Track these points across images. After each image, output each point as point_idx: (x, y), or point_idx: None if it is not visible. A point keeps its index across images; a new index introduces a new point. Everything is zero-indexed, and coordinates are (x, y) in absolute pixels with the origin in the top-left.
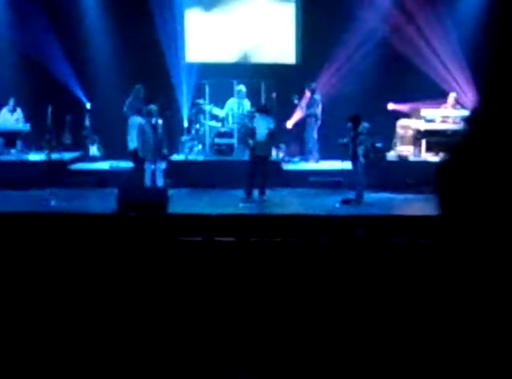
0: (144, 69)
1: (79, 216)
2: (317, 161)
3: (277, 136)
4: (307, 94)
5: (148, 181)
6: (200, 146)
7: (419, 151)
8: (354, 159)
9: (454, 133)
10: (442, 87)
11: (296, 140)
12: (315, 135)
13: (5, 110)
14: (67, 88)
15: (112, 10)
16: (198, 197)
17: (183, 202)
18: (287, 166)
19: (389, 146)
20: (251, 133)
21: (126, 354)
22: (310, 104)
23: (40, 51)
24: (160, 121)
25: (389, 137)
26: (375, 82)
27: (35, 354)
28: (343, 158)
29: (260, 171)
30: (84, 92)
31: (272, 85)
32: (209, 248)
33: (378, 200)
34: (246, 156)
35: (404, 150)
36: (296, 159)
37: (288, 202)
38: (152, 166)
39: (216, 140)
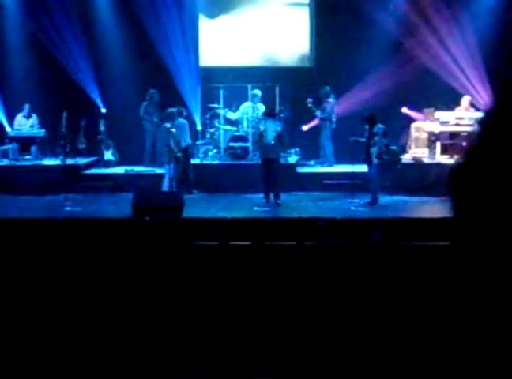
0: (158, 73)
1: (94, 221)
2: (332, 165)
3: (284, 138)
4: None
5: (166, 186)
6: (215, 150)
7: (434, 154)
8: (367, 160)
9: (469, 135)
10: (457, 89)
11: (311, 144)
12: (330, 138)
13: (20, 115)
14: (82, 93)
15: (126, 14)
16: (213, 201)
17: (198, 206)
18: (301, 170)
19: (404, 148)
20: (260, 136)
21: (139, 357)
22: (325, 108)
23: (55, 58)
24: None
25: (403, 140)
26: (390, 84)
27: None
28: (354, 161)
29: (271, 174)
30: (99, 97)
31: (286, 89)
32: (224, 252)
33: (393, 202)
34: (260, 160)
35: (419, 152)
36: (311, 162)
37: (303, 205)
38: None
39: (231, 144)
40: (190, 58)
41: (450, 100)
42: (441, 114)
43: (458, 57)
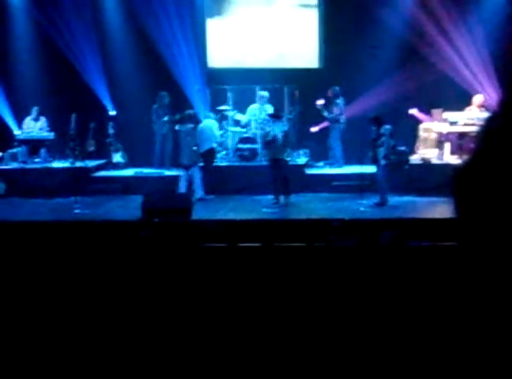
0: (166, 75)
1: (103, 224)
2: (341, 166)
3: (290, 139)
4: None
5: (183, 188)
6: (223, 152)
7: (443, 154)
8: (375, 161)
9: (474, 136)
10: (467, 90)
11: (320, 145)
12: (339, 140)
13: (28, 118)
14: (91, 95)
15: (135, 16)
16: (222, 203)
17: (207, 208)
18: (310, 171)
19: (412, 149)
20: (273, 138)
21: (145, 359)
22: (334, 109)
23: (64, 60)
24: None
25: (412, 140)
26: (399, 85)
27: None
28: (363, 162)
29: (280, 175)
30: (108, 100)
31: (295, 90)
32: (234, 254)
33: (402, 203)
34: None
35: (428, 153)
36: (320, 163)
37: (312, 207)
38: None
39: (240, 146)
40: (199, 59)
41: (460, 100)
42: (449, 115)
43: (468, 57)
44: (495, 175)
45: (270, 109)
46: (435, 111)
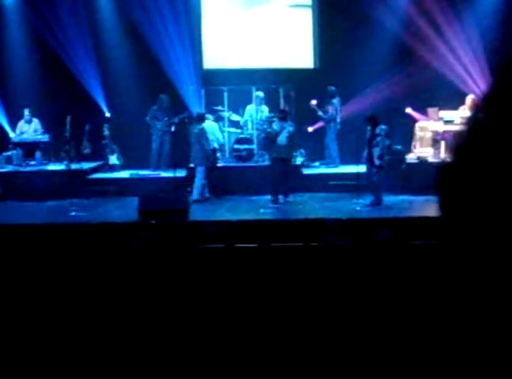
0: (162, 76)
1: (100, 226)
2: (337, 165)
3: (296, 139)
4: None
5: (199, 186)
6: (220, 153)
7: (439, 153)
8: (369, 160)
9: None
10: (462, 88)
11: (316, 145)
12: (335, 139)
13: (22, 121)
14: (86, 97)
15: (129, 18)
16: (219, 204)
17: (204, 209)
18: (307, 171)
19: (409, 148)
20: (275, 136)
21: (144, 361)
22: (329, 109)
23: (59, 61)
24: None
25: (408, 139)
26: (394, 85)
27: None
28: (359, 162)
29: (282, 174)
30: (103, 101)
31: (290, 90)
32: (231, 254)
33: (398, 202)
34: (266, 162)
35: (424, 152)
36: (317, 163)
37: (308, 207)
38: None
39: (236, 147)
40: (194, 60)
41: (455, 99)
42: (445, 114)
43: (462, 56)
44: (479, 171)
45: (266, 109)
46: (431, 110)
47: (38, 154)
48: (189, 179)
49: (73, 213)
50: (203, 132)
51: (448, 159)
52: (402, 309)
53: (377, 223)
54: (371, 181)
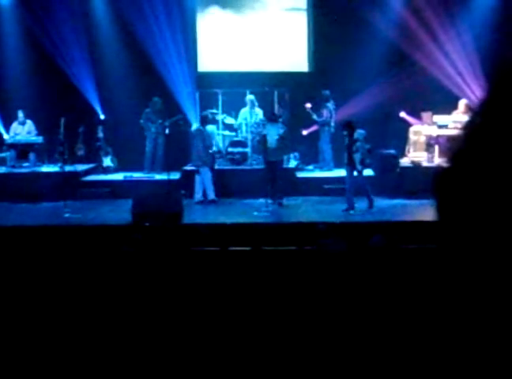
0: (156, 79)
1: (94, 228)
2: (331, 169)
3: (287, 141)
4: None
5: (199, 190)
6: (218, 155)
7: (433, 157)
8: (349, 166)
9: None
10: (456, 93)
11: (311, 148)
12: (329, 143)
13: (16, 123)
14: (80, 99)
15: (123, 20)
16: (213, 207)
17: (198, 212)
18: (301, 174)
19: (403, 152)
20: (263, 140)
21: (137, 368)
22: (324, 112)
23: (53, 63)
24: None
25: (402, 143)
26: (389, 89)
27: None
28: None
29: (274, 177)
30: (98, 103)
31: (285, 94)
32: (224, 257)
33: (392, 206)
34: (260, 165)
35: (418, 156)
36: (310, 167)
37: (302, 210)
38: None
39: (230, 150)
40: (188, 63)
41: (449, 104)
42: (439, 118)
43: (456, 61)
44: (476, 176)
45: (260, 112)
46: (425, 114)
47: (32, 156)
48: (182, 182)
49: (66, 215)
50: (207, 133)
51: (444, 164)
52: (397, 313)
53: (371, 227)
54: (357, 186)
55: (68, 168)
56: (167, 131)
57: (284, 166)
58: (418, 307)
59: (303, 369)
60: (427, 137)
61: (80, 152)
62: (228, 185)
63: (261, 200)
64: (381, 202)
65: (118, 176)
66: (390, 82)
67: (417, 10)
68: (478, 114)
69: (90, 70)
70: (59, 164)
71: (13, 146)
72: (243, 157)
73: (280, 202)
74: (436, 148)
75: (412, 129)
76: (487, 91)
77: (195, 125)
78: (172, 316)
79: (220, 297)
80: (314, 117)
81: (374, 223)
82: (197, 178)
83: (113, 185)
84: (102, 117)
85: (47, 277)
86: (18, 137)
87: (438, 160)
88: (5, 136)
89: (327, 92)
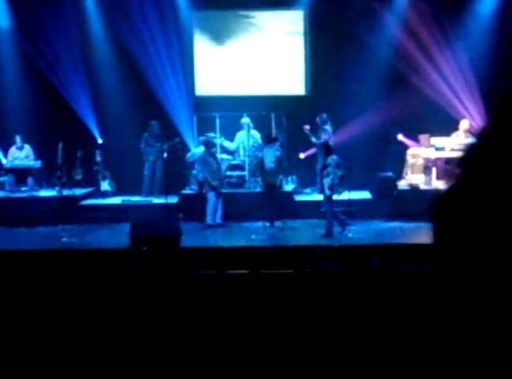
0: (154, 103)
1: (91, 252)
2: None
3: (284, 162)
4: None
5: (210, 212)
6: None
7: (430, 180)
8: (321, 190)
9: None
10: (453, 115)
11: (308, 172)
12: None
13: (13, 148)
14: (78, 123)
15: (121, 45)
16: (211, 230)
17: (196, 236)
18: (299, 197)
19: (400, 175)
20: (260, 162)
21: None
22: (322, 135)
23: (51, 87)
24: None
25: (399, 166)
26: (385, 111)
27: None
28: (351, 188)
29: (271, 199)
30: (95, 128)
31: (282, 117)
32: (223, 281)
33: (390, 228)
34: (257, 188)
35: (415, 179)
36: (308, 190)
37: (300, 233)
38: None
39: (228, 173)
40: (186, 87)
41: (447, 126)
42: (436, 140)
43: (453, 83)
44: (473, 203)
45: (258, 135)
46: (422, 137)
47: (30, 180)
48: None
49: (64, 239)
50: (211, 157)
51: (442, 189)
52: (394, 335)
53: (368, 250)
54: (324, 212)
55: (66, 192)
56: (165, 155)
57: (282, 189)
58: (417, 329)
59: None
60: (425, 160)
61: (78, 176)
62: (226, 209)
63: (259, 224)
64: (378, 225)
65: (116, 200)
66: (388, 105)
67: (414, 32)
68: (478, 142)
69: (88, 94)
70: (57, 188)
71: (11, 171)
72: (241, 180)
73: (278, 226)
74: (434, 170)
75: (409, 152)
76: (487, 120)
77: (199, 150)
78: (169, 339)
79: (218, 321)
80: (313, 139)
81: (372, 246)
82: (214, 200)
83: (111, 209)
84: (100, 141)
85: (44, 301)
86: (16, 162)
87: (435, 183)
88: (3, 161)
89: (324, 115)
